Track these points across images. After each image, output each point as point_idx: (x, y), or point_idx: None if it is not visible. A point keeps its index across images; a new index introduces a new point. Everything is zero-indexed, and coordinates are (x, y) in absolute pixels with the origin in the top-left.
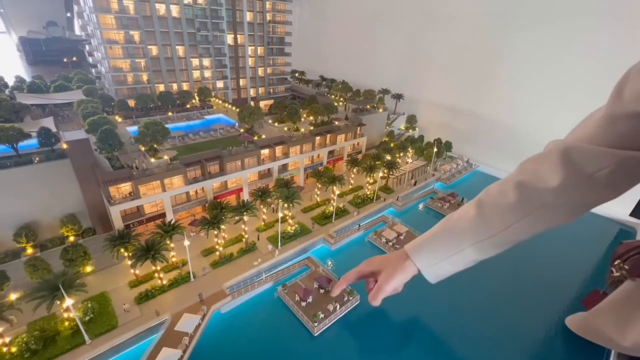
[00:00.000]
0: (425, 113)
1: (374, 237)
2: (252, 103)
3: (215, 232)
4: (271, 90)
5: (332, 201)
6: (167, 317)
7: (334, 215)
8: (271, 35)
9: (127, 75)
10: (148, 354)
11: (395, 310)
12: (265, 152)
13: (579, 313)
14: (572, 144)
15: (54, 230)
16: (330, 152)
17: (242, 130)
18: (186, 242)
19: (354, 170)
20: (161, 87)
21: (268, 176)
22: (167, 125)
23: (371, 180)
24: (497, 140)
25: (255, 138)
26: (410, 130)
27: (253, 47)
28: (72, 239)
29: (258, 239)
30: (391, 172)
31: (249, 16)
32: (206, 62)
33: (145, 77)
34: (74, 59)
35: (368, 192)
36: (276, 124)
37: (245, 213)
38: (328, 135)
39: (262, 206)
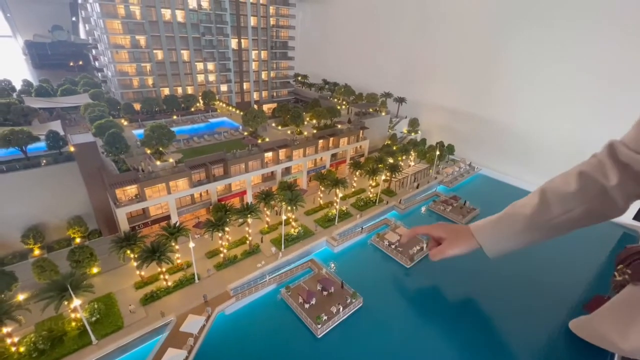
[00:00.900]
0: (427, 116)
1: (377, 240)
2: (255, 106)
3: (220, 235)
4: (274, 94)
5: (335, 204)
6: (172, 318)
7: (336, 218)
8: (274, 39)
9: (133, 79)
10: (154, 355)
11: (397, 312)
12: (268, 155)
13: (583, 316)
14: (618, 145)
15: (61, 232)
16: (333, 155)
17: (245, 133)
18: (191, 244)
19: (357, 173)
20: (166, 91)
21: (271, 179)
22: (172, 129)
23: (374, 183)
24: (500, 144)
25: (259, 141)
26: (413, 134)
27: (257, 51)
28: (78, 240)
29: (262, 242)
30: (394, 175)
31: (252, 21)
32: (210, 66)
33: (150, 81)
34: (80, 62)
35: (371, 195)
36: (279, 127)
37: (249, 216)
38: (331, 139)
39: (265, 209)
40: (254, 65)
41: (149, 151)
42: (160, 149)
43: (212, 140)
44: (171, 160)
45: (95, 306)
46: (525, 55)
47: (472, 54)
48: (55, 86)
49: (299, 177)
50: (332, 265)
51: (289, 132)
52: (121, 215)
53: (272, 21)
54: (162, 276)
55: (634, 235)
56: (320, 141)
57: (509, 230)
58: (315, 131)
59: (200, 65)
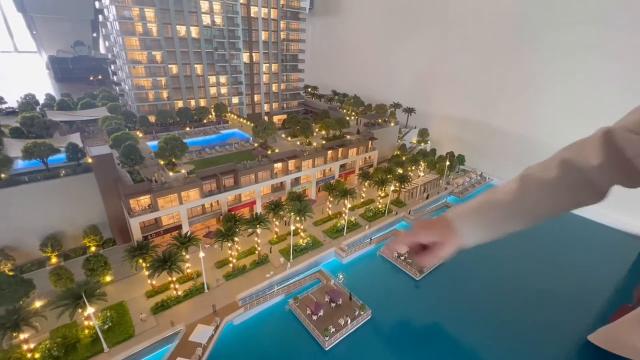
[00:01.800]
0: (437, 126)
1: (386, 252)
2: (265, 118)
3: (229, 245)
4: (284, 105)
5: (343, 215)
6: (182, 328)
7: (345, 228)
8: (285, 52)
9: (149, 93)
10: None
11: (407, 326)
12: (278, 165)
13: (604, 327)
14: (614, 129)
15: (77, 241)
16: (342, 166)
17: (256, 144)
18: (201, 254)
19: (366, 183)
20: (180, 104)
21: (281, 189)
22: (185, 140)
23: (383, 194)
24: (512, 154)
25: (269, 152)
26: (422, 144)
27: (267, 65)
28: (93, 249)
29: (270, 252)
30: (403, 186)
31: (264, 35)
32: (223, 79)
33: (165, 94)
34: (99, 77)
35: (380, 206)
36: (289, 138)
37: (258, 226)
38: (340, 149)
39: (274, 219)
40: (264, 78)
41: (162, 162)
42: (173, 160)
43: (223, 152)
44: (183, 171)
45: (108, 314)
46: (538, 62)
47: (483, 62)
48: (75, 99)
49: (308, 188)
50: (341, 276)
51: (298, 142)
52: (134, 225)
53: (282, 35)
54: (172, 285)
55: None
56: (329, 152)
57: (487, 220)
58: (324, 142)
59: (212, 79)
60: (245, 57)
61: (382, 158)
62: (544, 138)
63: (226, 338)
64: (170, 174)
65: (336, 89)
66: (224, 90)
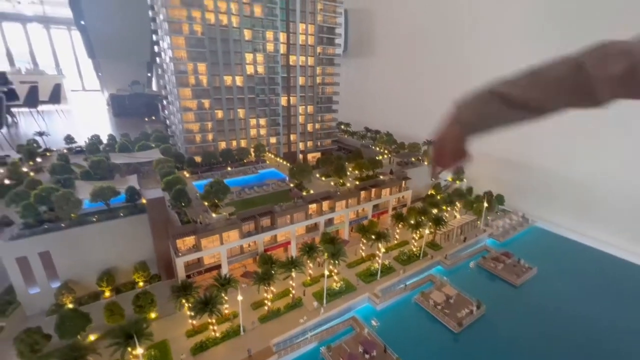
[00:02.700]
0: (473, 164)
1: (421, 299)
2: (300, 156)
3: (265, 287)
4: (319, 144)
5: (377, 257)
6: None
7: (379, 272)
8: (320, 95)
9: (196, 136)
10: None
11: None
12: (312, 206)
13: None
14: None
15: (128, 275)
16: (375, 206)
17: (292, 185)
18: (239, 297)
19: (400, 225)
20: (223, 144)
21: (315, 230)
22: (226, 180)
23: (417, 236)
24: (556, 194)
25: (304, 193)
26: (458, 182)
27: (304, 106)
28: (141, 284)
29: (304, 294)
30: (438, 228)
31: (301, 80)
32: (262, 121)
33: (210, 137)
34: (153, 117)
35: (414, 249)
36: (323, 178)
37: (293, 269)
38: (373, 190)
39: (309, 261)
40: (300, 119)
41: (206, 204)
42: (217, 202)
43: (261, 192)
44: (225, 213)
45: (152, 353)
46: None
47: None
48: (132, 138)
49: (341, 228)
50: (374, 322)
51: (332, 183)
52: (180, 264)
53: (318, 80)
54: (211, 326)
55: None
56: (363, 192)
57: (484, 108)
58: (357, 182)
59: (253, 121)
60: (283, 100)
61: (416, 196)
62: (587, 177)
63: None
64: (214, 215)
65: (368, 126)
66: (263, 131)
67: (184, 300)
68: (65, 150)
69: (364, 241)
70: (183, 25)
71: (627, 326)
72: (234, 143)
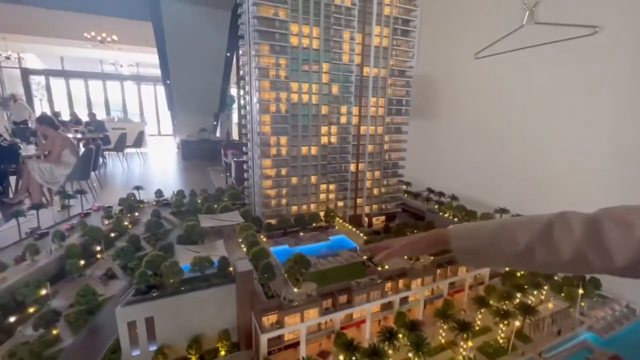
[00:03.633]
0: None
1: None
2: (365, 219)
3: None
4: (384, 207)
5: (460, 349)
6: None
7: None
8: (387, 161)
9: (272, 200)
10: None
11: None
12: (388, 284)
13: None
14: None
15: (212, 342)
16: (451, 283)
17: (365, 257)
18: None
19: (481, 310)
20: (295, 208)
21: (389, 308)
22: (300, 247)
23: (503, 326)
24: None
25: (379, 269)
26: None
27: (371, 172)
28: (223, 353)
29: None
30: (527, 317)
31: (369, 148)
32: (332, 187)
33: (284, 201)
34: (220, 170)
35: (500, 340)
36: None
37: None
38: (449, 267)
39: (389, 349)
40: (367, 184)
41: (288, 278)
42: (298, 277)
43: (335, 263)
44: (307, 290)
45: None
46: None
47: (609, 160)
48: (198, 191)
49: (415, 307)
50: None
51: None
52: (264, 341)
53: (386, 147)
54: None
55: None
56: (439, 270)
57: (485, 256)
58: (432, 258)
59: (323, 186)
60: (352, 166)
61: (494, 272)
62: None
63: None
64: (295, 290)
65: (430, 186)
66: (331, 195)
67: None
68: (154, 203)
69: (444, 327)
70: (271, 106)
71: None
72: (305, 207)
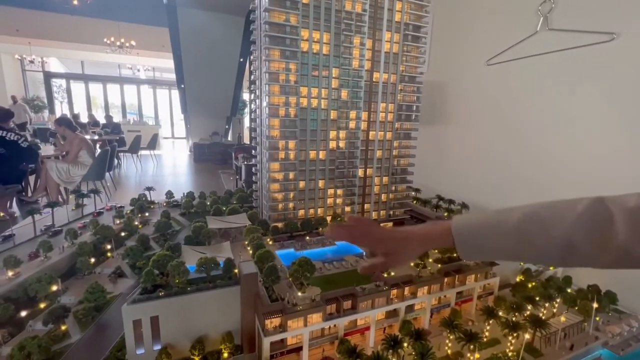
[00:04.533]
0: None
1: None
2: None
3: None
4: (391, 213)
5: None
6: None
7: None
8: (395, 167)
9: (279, 204)
10: None
11: None
12: (394, 291)
13: None
14: None
15: (215, 344)
16: (459, 293)
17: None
18: None
19: (490, 321)
20: (301, 212)
21: (394, 316)
22: (306, 251)
23: (512, 339)
24: None
25: (385, 275)
26: (552, 268)
27: (379, 177)
28: (226, 355)
29: None
30: (537, 330)
31: (378, 154)
32: (339, 191)
33: (291, 205)
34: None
35: (509, 352)
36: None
37: None
38: (457, 276)
39: (393, 358)
40: (375, 189)
41: (292, 282)
42: (303, 281)
43: (340, 268)
44: (311, 295)
45: None
46: None
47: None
48: (207, 194)
49: (421, 315)
50: None
51: (412, 264)
52: (266, 344)
53: (395, 152)
54: None
55: None
56: (446, 278)
57: (491, 245)
58: (439, 266)
59: (331, 191)
60: (360, 172)
61: (504, 281)
62: None
63: None
64: (299, 294)
65: (439, 193)
66: (339, 200)
67: None
68: (164, 204)
69: (450, 337)
70: (280, 110)
71: None
72: (312, 211)
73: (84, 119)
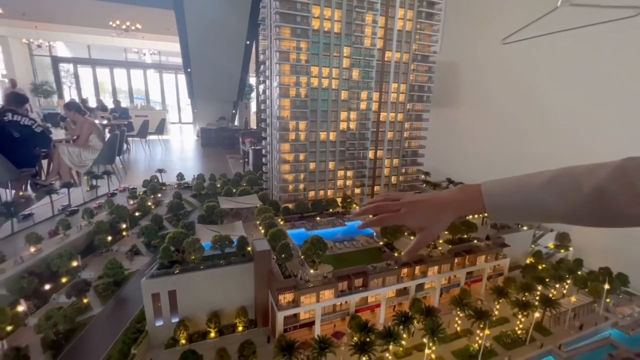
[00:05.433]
0: (581, 232)
1: None
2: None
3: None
4: None
5: (477, 337)
6: None
7: (480, 355)
8: (406, 149)
9: (290, 186)
10: None
11: None
12: (405, 270)
13: None
14: None
15: (230, 318)
16: (469, 273)
17: (381, 243)
18: None
19: (499, 300)
20: (312, 194)
21: (404, 294)
22: (316, 231)
23: (522, 317)
24: None
25: (395, 254)
26: (562, 250)
27: (390, 159)
28: (240, 329)
29: None
30: (547, 309)
31: (389, 135)
32: (350, 173)
33: (302, 186)
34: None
35: (518, 330)
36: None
37: (392, 343)
38: (467, 256)
39: (403, 333)
40: (385, 171)
41: (305, 260)
42: (314, 259)
43: (351, 247)
44: (322, 271)
45: None
46: None
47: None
48: (218, 176)
49: (432, 294)
50: None
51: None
52: (280, 318)
53: (406, 134)
54: None
55: None
56: (456, 258)
57: (522, 202)
58: (450, 246)
59: (341, 173)
60: (370, 153)
61: (514, 263)
62: None
63: None
64: (311, 271)
65: (450, 176)
66: (349, 182)
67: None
68: (176, 186)
69: (460, 314)
70: (290, 90)
71: None
72: (322, 193)
73: (92, 103)
